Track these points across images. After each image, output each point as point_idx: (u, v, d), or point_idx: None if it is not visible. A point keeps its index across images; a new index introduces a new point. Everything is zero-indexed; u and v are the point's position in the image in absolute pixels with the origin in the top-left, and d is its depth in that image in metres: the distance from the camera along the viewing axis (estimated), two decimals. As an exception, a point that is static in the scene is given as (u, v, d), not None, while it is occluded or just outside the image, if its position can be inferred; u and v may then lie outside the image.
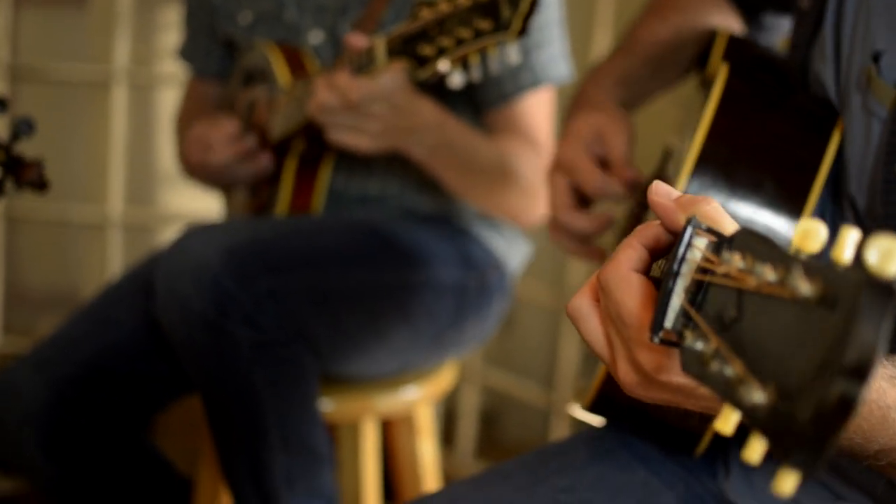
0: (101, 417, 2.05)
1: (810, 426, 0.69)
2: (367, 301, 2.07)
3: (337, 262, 2.05)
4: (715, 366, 0.78)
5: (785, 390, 0.71)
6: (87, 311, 2.16)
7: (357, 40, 1.92)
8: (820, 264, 0.72)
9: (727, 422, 0.77)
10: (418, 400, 2.26)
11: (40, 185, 1.94)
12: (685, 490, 1.48)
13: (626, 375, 1.00)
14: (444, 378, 2.32)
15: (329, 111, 1.92)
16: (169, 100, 3.56)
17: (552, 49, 2.17)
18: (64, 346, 2.09)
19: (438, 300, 2.14)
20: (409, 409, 2.29)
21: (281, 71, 2.15)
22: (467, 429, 3.48)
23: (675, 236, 0.94)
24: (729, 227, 0.91)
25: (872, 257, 0.68)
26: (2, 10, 3.21)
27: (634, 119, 1.81)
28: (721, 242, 0.87)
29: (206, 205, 3.31)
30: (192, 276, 1.88)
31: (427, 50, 1.77)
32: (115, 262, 3.41)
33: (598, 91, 1.75)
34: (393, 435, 2.36)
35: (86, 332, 2.10)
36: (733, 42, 1.71)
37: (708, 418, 1.39)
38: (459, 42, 1.73)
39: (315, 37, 2.20)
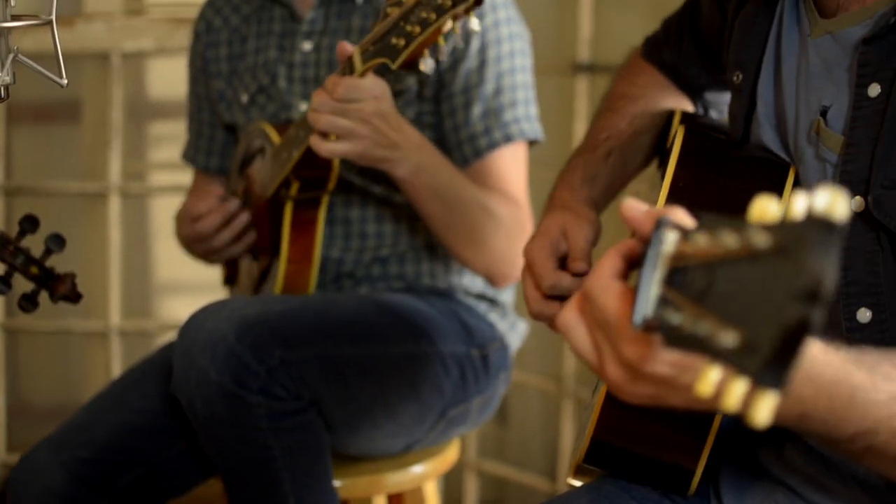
0: (118, 500, 2.10)
1: (775, 348, 0.78)
2: (376, 373, 2.14)
3: (347, 334, 2.13)
4: (690, 329, 0.87)
5: (752, 328, 0.80)
6: (103, 394, 2.24)
7: (346, 47, 2.03)
8: (774, 222, 0.83)
9: (706, 381, 0.86)
10: (426, 474, 2.31)
11: (74, 298, 2.02)
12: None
13: (613, 374, 1.07)
14: (449, 454, 2.38)
15: (320, 110, 1.99)
16: (163, 209, 3.65)
17: (524, 109, 2.28)
18: (81, 427, 2.15)
19: (444, 373, 2.21)
20: (417, 484, 2.34)
21: (275, 136, 2.25)
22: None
23: (648, 243, 1.03)
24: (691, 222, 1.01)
25: (819, 204, 0.79)
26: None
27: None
28: (688, 232, 0.97)
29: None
30: (208, 349, 1.96)
31: (397, 41, 1.89)
32: (117, 372, 3.45)
33: (568, 192, 1.83)
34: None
35: (102, 414, 2.17)
36: (686, 116, 1.84)
37: (696, 449, 1.48)
38: (425, 25, 1.85)
39: (304, 108, 2.30)
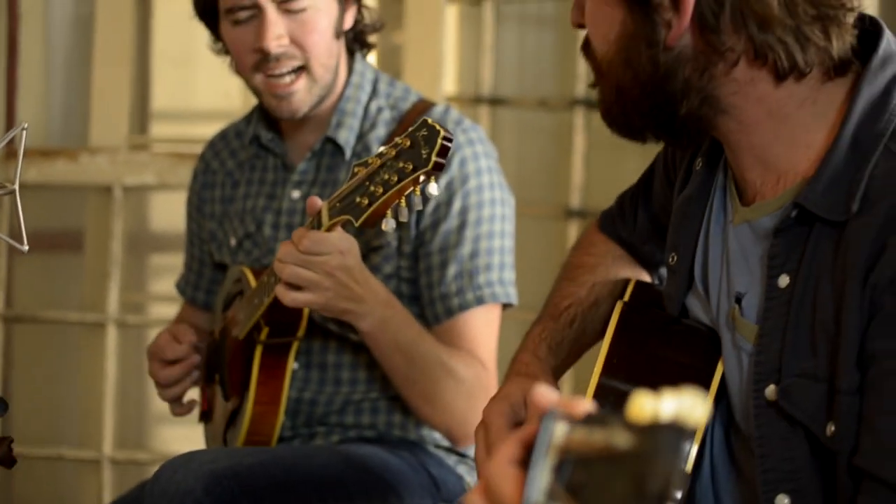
0: None
1: None
2: None
3: (313, 490, 2.14)
4: None
5: None
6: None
7: (315, 202, 2.08)
8: (637, 423, 0.87)
9: None
10: None
11: (8, 463, 2.06)
12: None
13: None
14: None
15: (285, 260, 2.03)
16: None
17: (498, 273, 2.31)
18: None
19: (412, 529, 2.22)
20: None
21: (252, 280, 2.30)
22: None
23: None
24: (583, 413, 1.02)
25: (671, 409, 0.85)
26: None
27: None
28: (575, 424, 0.99)
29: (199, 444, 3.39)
30: (176, 502, 1.99)
31: (361, 200, 1.94)
32: (108, 500, 3.45)
33: (534, 361, 1.84)
34: None
35: None
36: (639, 285, 1.86)
37: None
38: (387, 187, 1.90)
39: None
